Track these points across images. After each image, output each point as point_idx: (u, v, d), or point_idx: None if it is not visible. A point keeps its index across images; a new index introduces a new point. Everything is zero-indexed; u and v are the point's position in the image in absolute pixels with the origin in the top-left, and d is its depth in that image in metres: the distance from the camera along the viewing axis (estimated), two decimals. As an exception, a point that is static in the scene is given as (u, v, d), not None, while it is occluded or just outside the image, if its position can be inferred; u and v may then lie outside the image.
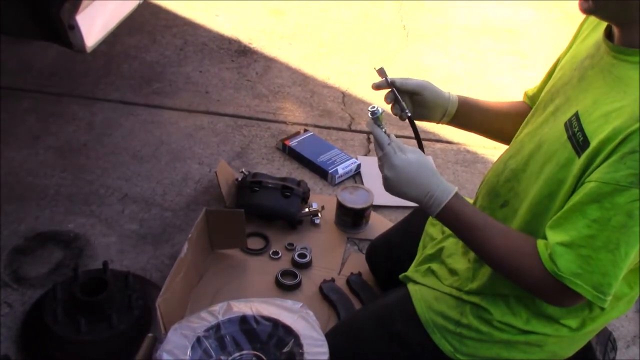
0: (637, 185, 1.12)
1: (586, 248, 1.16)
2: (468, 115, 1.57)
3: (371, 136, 1.44)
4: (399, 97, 1.46)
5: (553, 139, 1.28)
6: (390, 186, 1.34)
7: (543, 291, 1.25)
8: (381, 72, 1.46)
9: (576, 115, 1.24)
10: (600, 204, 1.15)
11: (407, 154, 1.33)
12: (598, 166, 1.16)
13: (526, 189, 1.33)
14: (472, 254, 1.45)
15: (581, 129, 1.21)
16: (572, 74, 1.34)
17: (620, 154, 1.14)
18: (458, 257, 1.51)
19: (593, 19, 1.36)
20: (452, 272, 1.50)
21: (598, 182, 1.15)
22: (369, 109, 1.38)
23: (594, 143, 1.18)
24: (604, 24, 1.28)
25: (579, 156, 1.20)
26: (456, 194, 1.32)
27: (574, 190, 1.21)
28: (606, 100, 1.20)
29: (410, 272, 1.59)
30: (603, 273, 1.16)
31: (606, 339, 1.70)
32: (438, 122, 1.58)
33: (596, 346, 1.61)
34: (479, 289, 1.41)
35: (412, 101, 1.51)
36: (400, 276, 1.60)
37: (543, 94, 1.44)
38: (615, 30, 1.23)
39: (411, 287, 1.54)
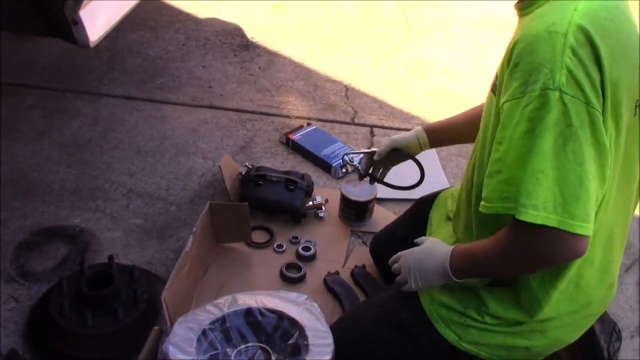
0: (525, 92, 1.14)
1: (501, 172, 1.18)
2: (440, 135, 1.77)
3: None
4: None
5: (487, 102, 1.37)
6: None
7: (515, 246, 1.25)
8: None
9: (496, 73, 1.32)
10: (503, 125, 1.19)
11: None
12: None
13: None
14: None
15: (496, 77, 1.30)
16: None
17: (509, 72, 1.19)
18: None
19: None
20: None
21: (500, 106, 1.22)
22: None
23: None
24: None
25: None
26: (451, 251, 1.39)
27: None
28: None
29: None
30: (525, 187, 1.15)
31: (611, 329, 1.70)
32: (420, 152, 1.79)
33: (601, 335, 1.62)
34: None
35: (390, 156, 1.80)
36: None
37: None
38: None
39: None
